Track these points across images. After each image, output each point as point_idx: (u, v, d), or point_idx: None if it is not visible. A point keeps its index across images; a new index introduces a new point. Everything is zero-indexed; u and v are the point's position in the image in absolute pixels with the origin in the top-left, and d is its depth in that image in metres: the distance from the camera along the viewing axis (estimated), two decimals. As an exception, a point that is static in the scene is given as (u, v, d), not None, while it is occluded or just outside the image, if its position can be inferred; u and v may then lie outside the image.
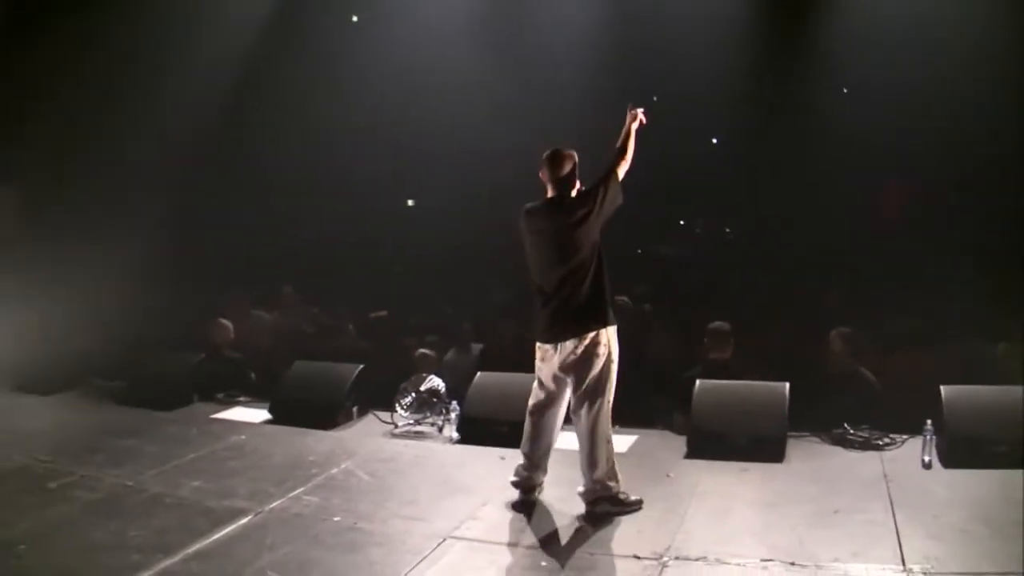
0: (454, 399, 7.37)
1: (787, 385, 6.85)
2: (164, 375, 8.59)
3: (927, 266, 9.75)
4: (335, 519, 5.45)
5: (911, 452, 6.43)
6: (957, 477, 5.92)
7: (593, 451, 5.51)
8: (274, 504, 5.71)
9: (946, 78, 10.44)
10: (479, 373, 7.72)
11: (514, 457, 6.03)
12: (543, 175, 5.60)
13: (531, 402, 5.76)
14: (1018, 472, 5.77)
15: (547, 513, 5.60)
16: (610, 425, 5.57)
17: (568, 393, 5.62)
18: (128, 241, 10.15)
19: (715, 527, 5.30)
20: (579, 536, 5.23)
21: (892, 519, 5.29)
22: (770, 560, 4.82)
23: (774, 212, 12.11)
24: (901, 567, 4.67)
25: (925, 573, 4.59)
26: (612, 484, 5.53)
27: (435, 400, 7.50)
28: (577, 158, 5.63)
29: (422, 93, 12.50)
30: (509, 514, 5.57)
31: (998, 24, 9.89)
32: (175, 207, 11.39)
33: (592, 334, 5.43)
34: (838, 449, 6.74)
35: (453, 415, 7.23)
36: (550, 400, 5.68)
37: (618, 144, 5.61)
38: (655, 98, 13.63)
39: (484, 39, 11.93)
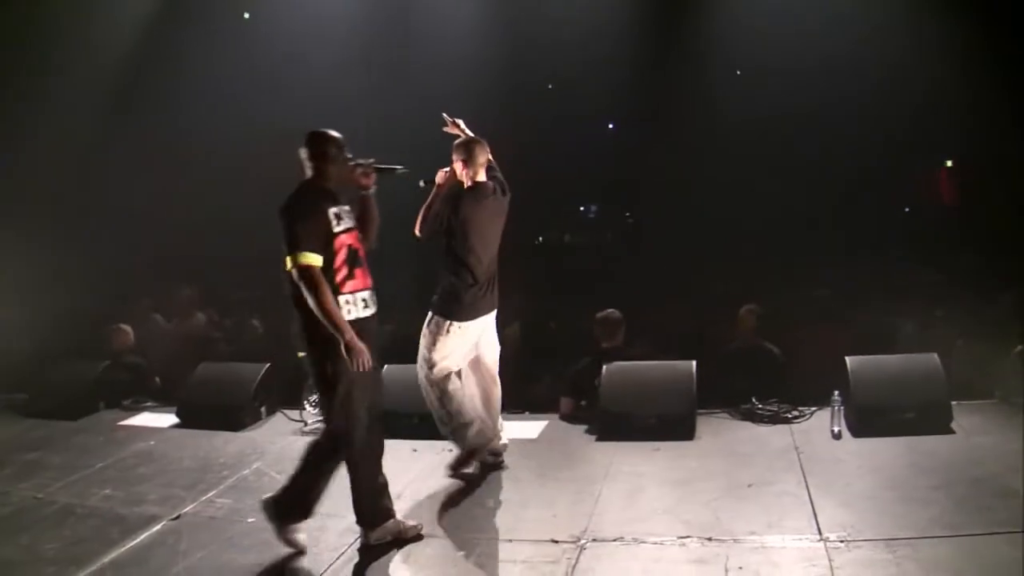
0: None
1: (694, 363, 6.80)
2: (67, 384, 8.17)
3: (833, 242, 9.89)
4: (249, 520, 5.29)
5: (820, 423, 6.45)
6: (866, 445, 5.96)
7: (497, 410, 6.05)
8: (186, 509, 5.57)
9: (849, 63, 10.62)
10: (385, 366, 7.49)
11: (425, 448, 6.38)
12: (469, 161, 5.72)
13: (458, 383, 5.93)
14: (924, 438, 5.89)
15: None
16: None
17: None
18: (19, 250, 9.52)
19: (630, 507, 5.25)
20: (498, 521, 5.16)
21: (805, 490, 5.30)
22: (687, 537, 4.77)
23: (673, 195, 12.12)
24: (818, 536, 4.67)
25: (842, 541, 4.59)
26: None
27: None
28: None
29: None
30: (424, 506, 5.47)
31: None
32: (67, 212, 10.84)
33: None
34: (747, 424, 6.72)
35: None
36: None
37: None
38: (550, 86, 13.66)
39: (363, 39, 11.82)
